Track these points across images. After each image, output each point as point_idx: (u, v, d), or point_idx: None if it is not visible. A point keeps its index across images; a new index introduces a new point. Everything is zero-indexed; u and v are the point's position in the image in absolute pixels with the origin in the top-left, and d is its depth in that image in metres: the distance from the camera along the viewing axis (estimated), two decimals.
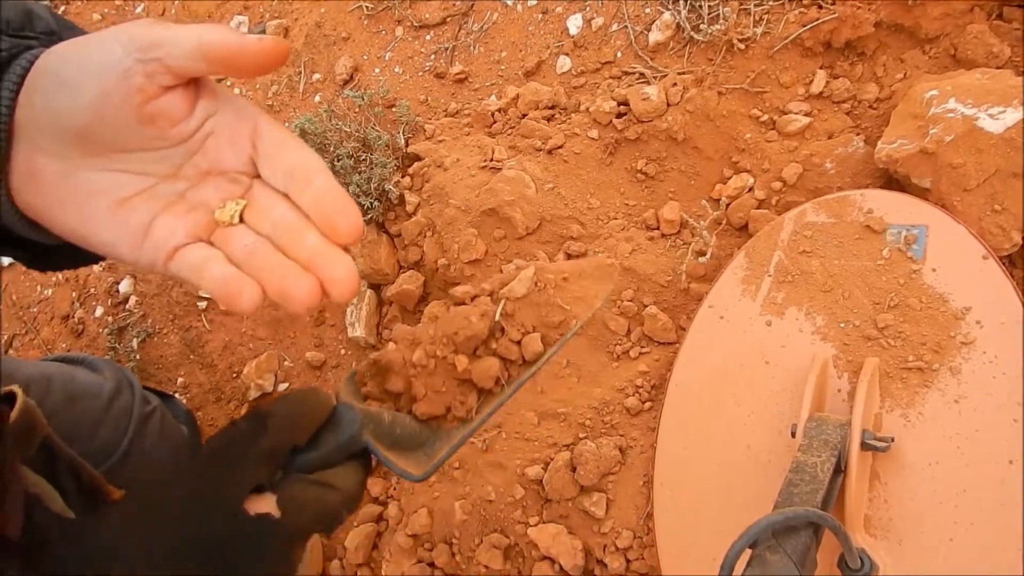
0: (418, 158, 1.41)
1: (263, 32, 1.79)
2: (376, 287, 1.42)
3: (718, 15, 1.25)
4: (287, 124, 1.55)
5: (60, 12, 2.11)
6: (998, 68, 1.04)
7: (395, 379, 0.54)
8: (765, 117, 1.21)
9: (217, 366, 1.55)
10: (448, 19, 1.55)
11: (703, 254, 1.14)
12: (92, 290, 1.77)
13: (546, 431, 1.15)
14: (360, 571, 1.25)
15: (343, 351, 1.44)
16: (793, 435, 0.89)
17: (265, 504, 0.45)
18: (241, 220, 0.48)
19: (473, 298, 0.57)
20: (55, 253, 0.53)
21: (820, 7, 1.18)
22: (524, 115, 1.38)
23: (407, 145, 1.45)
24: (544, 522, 1.11)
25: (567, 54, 1.41)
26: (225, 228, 0.47)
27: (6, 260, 1.85)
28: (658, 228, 1.23)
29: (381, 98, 1.52)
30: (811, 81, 1.19)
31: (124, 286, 1.71)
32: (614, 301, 1.18)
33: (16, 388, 0.52)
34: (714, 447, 1.03)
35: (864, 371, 0.91)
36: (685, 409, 1.06)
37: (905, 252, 0.96)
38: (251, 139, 0.48)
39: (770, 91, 1.21)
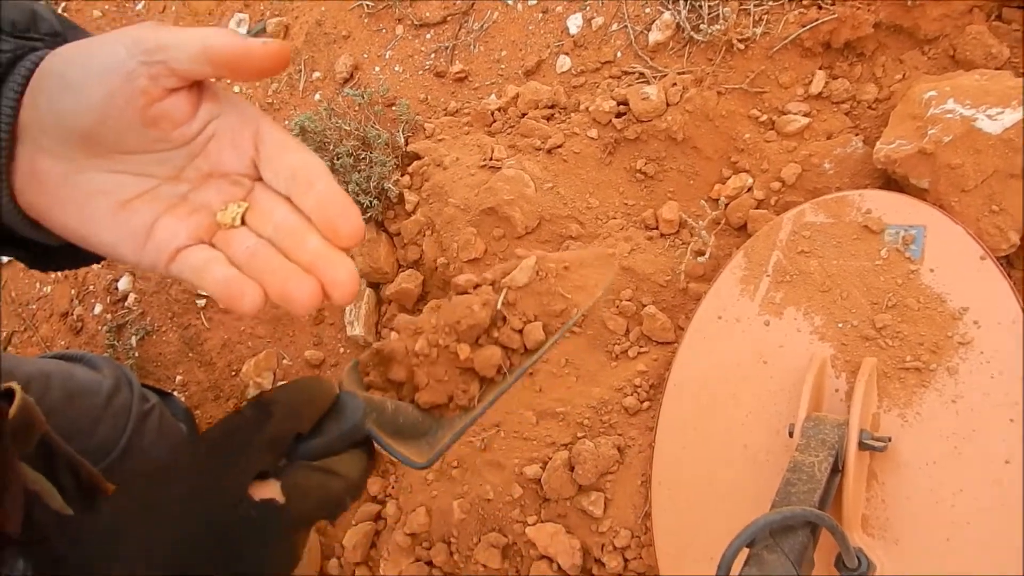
0: (417, 157, 1.41)
1: (263, 30, 1.79)
2: (375, 286, 1.42)
3: (718, 15, 1.25)
4: (287, 122, 1.55)
5: (60, 9, 2.11)
6: (997, 69, 1.04)
7: (398, 368, 0.54)
8: (764, 117, 1.21)
9: (216, 364, 1.55)
10: (448, 18, 1.55)
11: (702, 254, 1.15)
12: (91, 287, 1.77)
13: (544, 430, 1.15)
14: (358, 570, 1.25)
15: (342, 349, 1.44)
16: (791, 435, 0.89)
17: (269, 490, 0.45)
18: (243, 222, 0.48)
19: (475, 287, 0.57)
20: (56, 253, 0.53)
21: (820, 7, 1.18)
22: (524, 114, 1.38)
23: (407, 144, 1.45)
24: (542, 521, 1.11)
25: (567, 53, 1.41)
26: (227, 230, 0.48)
27: (5, 258, 1.85)
28: (657, 228, 1.23)
29: (381, 97, 1.53)
30: (810, 81, 1.19)
31: (123, 283, 1.71)
32: (613, 300, 1.18)
33: (15, 385, 0.52)
34: (712, 447, 1.03)
35: (862, 371, 0.91)
36: (683, 409, 1.07)
37: (903, 252, 0.97)
38: (253, 142, 0.48)
39: (769, 91, 1.22)
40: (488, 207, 1.23)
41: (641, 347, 1.16)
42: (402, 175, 1.41)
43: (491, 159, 1.31)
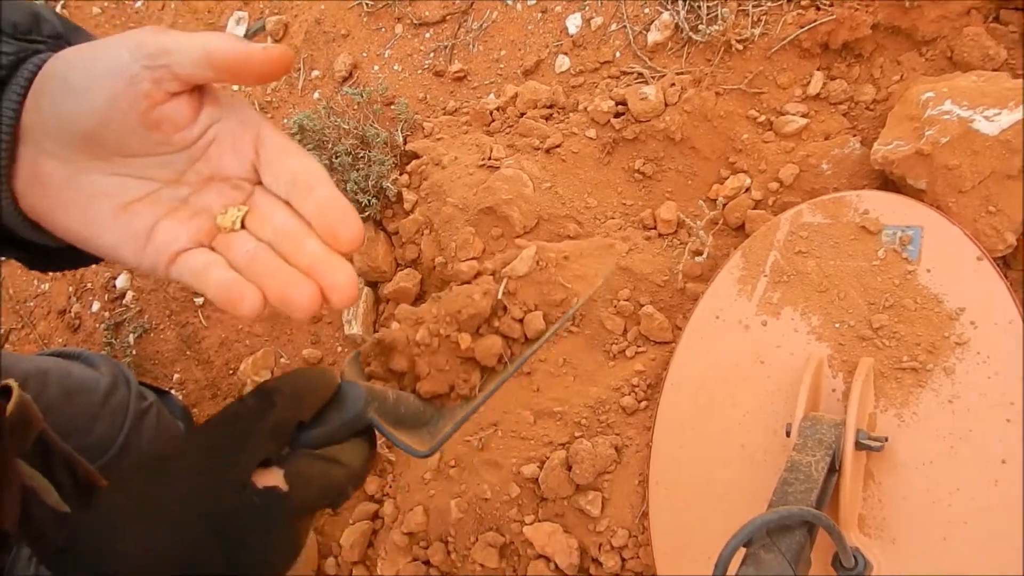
0: (416, 156, 1.41)
1: (263, 28, 1.79)
2: (373, 284, 1.42)
3: (716, 16, 1.25)
4: (285, 120, 1.55)
5: (59, 6, 2.11)
6: (994, 71, 1.05)
7: (399, 358, 0.55)
8: (762, 118, 1.21)
9: (214, 362, 1.55)
10: (448, 17, 1.55)
11: (700, 254, 1.15)
12: (89, 285, 1.77)
13: (542, 430, 1.15)
14: (355, 569, 1.25)
15: (340, 348, 1.44)
16: (788, 434, 0.89)
17: (272, 478, 0.45)
18: (243, 226, 0.48)
19: (477, 275, 0.58)
20: (56, 254, 0.53)
21: (818, 9, 1.18)
22: (522, 114, 1.38)
23: (405, 143, 1.45)
24: (540, 521, 1.11)
25: (566, 53, 1.41)
26: (227, 234, 0.48)
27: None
28: (655, 228, 1.23)
29: (380, 95, 1.53)
30: (808, 82, 1.19)
31: (121, 281, 1.71)
32: (611, 300, 1.18)
33: (12, 383, 0.52)
34: (709, 446, 1.03)
35: (859, 371, 0.91)
36: (681, 408, 1.07)
37: (900, 253, 0.97)
38: (254, 146, 0.48)
39: (767, 92, 1.22)
40: (486, 206, 1.23)
41: (639, 347, 1.16)
42: (400, 174, 1.41)
43: (489, 158, 1.31)
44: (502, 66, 1.47)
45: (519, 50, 1.46)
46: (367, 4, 1.63)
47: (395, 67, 1.58)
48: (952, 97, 0.97)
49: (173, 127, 0.47)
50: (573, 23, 1.41)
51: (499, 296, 0.57)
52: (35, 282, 1.87)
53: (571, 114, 1.33)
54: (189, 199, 0.49)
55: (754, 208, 1.15)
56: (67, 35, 0.51)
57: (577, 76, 1.39)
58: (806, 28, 1.17)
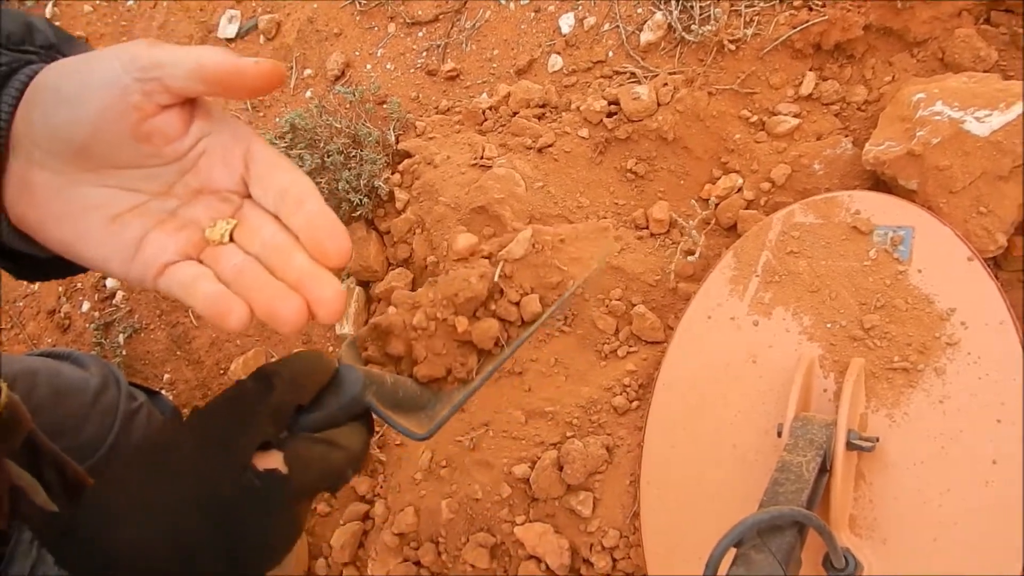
0: (408, 155, 1.41)
1: (255, 26, 1.78)
2: (365, 284, 1.41)
3: (709, 16, 1.25)
4: (277, 119, 1.55)
5: (52, 3, 2.10)
6: (985, 72, 1.05)
7: (396, 342, 0.55)
8: (755, 118, 1.21)
9: (204, 362, 1.54)
10: (440, 16, 1.55)
11: (692, 254, 1.15)
12: (79, 285, 1.76)
13: (533, 430, 1.15)
14: (346, 570, 1.25)
15: (331, 348, 1.43)
16: (779, 435, 0.89)
17: (272, 460, 0.45)
18: (231, 239, 0.48)
19: (473, 252, 0.58)
20: (44, 264, 0.53)
21: (810, 9, 1.18)
22: (515, 113, 1.38)
23: (397, 142, 1.44)
24: (531, 521, 1.11)
25: (559, 53, 1.41)
26: (215, 247, 0.48)
27: None
28: (647, 227, 1.23)
29: (372, 94, 1.52)
30: (800, 83, 1.19)
31: (111, 281, 1.70)
32: (602, 300, 1.18)
33: (1, 383, 0.52)
34: (701, 446, 1.03)
35: (850, 371, 0.91)
36: (672, 408, 1.07)
37: (891, 253, 0.97)
38: (244, 160, 0.49)
39: (760, 92, 1.22)
40: (478, 206, 1.22)
41: (630, 347, 1.16)
42: (393, 173, 1.40)
43: (482, 158, 1.31)
44: (495, 65, 1.47)
45: (512, 49, 1.46)
46: (360, 3, 1.63)
47: (388, 66, 1.57)
48: (943, 98, 0.97)
49: (164, 139, 0.47)
50: (566, 23, 1.41)
51: (495, 279, 0.57)
52: (24, 282, 1.86)
53: (564, 113, 1.33)
54: (178, 211, 0.49)
55: (746, 208, 1.15)
56: (60, 45, 0.51)
57: (570, 75, 1.39)
58: (798, 29, 1.17)
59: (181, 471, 0.43)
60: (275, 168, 0.48)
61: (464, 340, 0.56)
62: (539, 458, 1.12)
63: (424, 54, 1.54)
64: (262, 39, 1.76)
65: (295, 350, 1.43)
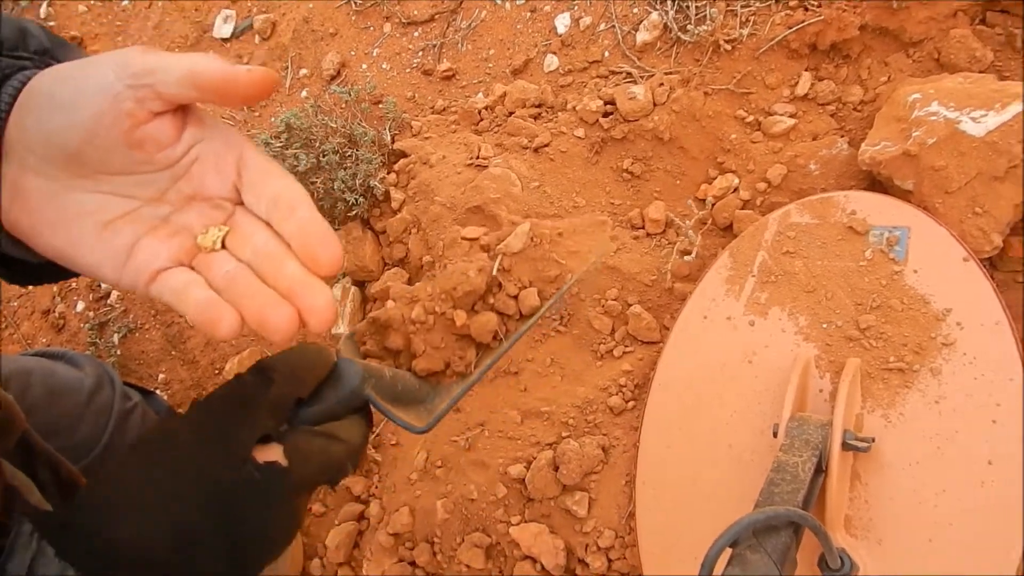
0: (404, 155, 1.40)
1: (250, 26, 1.78)
2: (360, 284, 1.41)
3: (705, 16, 1.25)
4: (273, 119, 1.55)
5: (46, 3, 2.09)
6: (980, 72, 1.05)
7: (394, 336, 0.55)
8: (750, 118, 1.21)
9: (199, 362, 1.54)
10: (436, 16, 1.55)
11: (688, 254, 1.15)
12: (73, 285, 1.75)
13: (529, 430, 1.15)
14: (341, 570, 1.25)
15: (328, 346, 1.43)
16: (775, 435, 0.89)
17: (272, 453, 0.45)
18: (223, 246, 0.48)
19: (475, 239, 0.58)
20: (36, 269, 0.53)
21: (806, 9, 1.18)
22: (511, 113, 1.37)
23: (393, 141, 1.44)
24: (526, 521, 1.11)
25: (555, 53, 1.41)
26: (207, 253, 0.48)
27: None
28: (643, 227, 1.23)
29: (368, 94, 1.52)
30: (796, 83, 1.19)
31: None
32: (598, 300, 1.18)
33: None
34: (697, 446, 1.03)
35: (846, 371, 0.91)
36: (668, 408, 1.07)
37: (887, 253, 0.97)
38: (236, 166, 0.49)
39: (756, 92, 1.22)
40: (474, 205, 1.22)
41: (626, 347, 1.16)
42: (388, 173, 1.40)
43: (478, 157, 1.31)
44: (491, 65, 1.46)
45: (508, 49, 1.46)
46: (355, 3, 1.63)
47: (383, 66, 1.57)
48: (939, 98, 0.97)
49: (156, 146, 0.47)
50: (562, 23, 1.41)
51: (494, 273, 0.57)
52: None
53: (559, 113, 1.33)
54: (170, 218, 0.49)
55: (742, 208, 1.15)
56: (54, 50, 0.52)
57: (566, 75, 1.38)
58: (794, 29, 1.17)
59: (181, 463, 0.43)
60: (267, 175, 0.48)
61: (462, 334, 0.56)
62: (535, 458, 1.12)
63: (420, 54, 1.54)
64: (257, 39, 1.76)
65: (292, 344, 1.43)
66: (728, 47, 1.22)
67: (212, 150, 0.49)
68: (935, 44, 1.11)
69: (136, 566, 0.41)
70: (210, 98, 0.46)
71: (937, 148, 0.94)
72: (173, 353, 1.57)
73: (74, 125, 0.45)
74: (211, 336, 0.45)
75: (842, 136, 1.13)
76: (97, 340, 1.64)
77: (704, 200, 1.19)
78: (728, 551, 0.67)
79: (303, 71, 1.65)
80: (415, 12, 1.56)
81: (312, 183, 1.38)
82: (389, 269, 1.36)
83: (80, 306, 1.71)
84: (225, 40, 1.81)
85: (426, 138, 1.41)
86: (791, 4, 1.20)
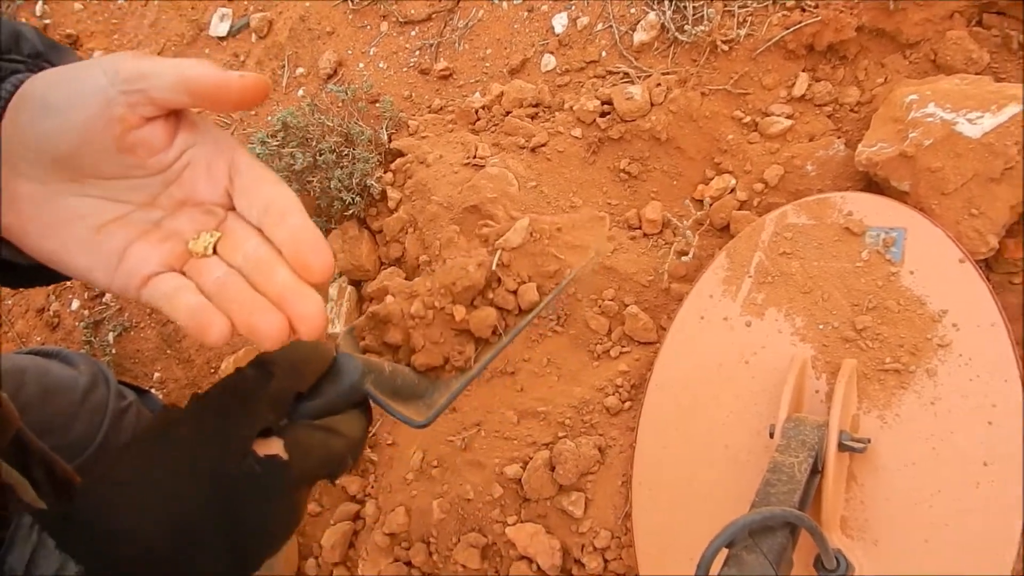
0: (401, 154, 1.40)
1: (247, 25, 1.77)
2: (357, 283, 1.41)
3: (702, 16, 1.25)
4: (269, 118, 1.54)
5: (43, 2, 2.08)
6: (977, 74, 1.05)
7: (394, 331, 0.55)
8: (747, 119, 1.21)
9: (194, 361, 1.53)
10: (433, 15, 1.55)
11: (685, 254, 1.15)
12: (68, 283, 1.74)
13: (525, 430, 1.15)
14: (336, 570, 1.24)
15: None
16: (771, 435, 0.89)
17: (273, 447, 0.45)
18: (214, 252, 0.48)
19: (482, 229, 0.58)
20: (27, 272, 0.53)
21: (803, 10, 1.18)
22: (508, 113, 1.37)
23: (390, 141, 1.44)
24: (522, 521, 1.11)
25: (552, 52, 1.41)
26: (198, 259, 0.48)
27: None
28: (640, 228, 1.23)
29: (365, 93, 1.52)
30: (793, 84, 1.19)
31: None
32: (595, 300, 1.18)
33: None
34: (693, 447, 1.03)
35: (842, 372, 0.91)
36: (664, 409, 1.07)
37: (883, 254, 0.97)
38: (228, 172, 0.49)
39: (753, 93, 1.22)
40: (471, 205, 1.22)
41: (623, 347, 1.16)
42: (385, 172, 1.40)
43: (475, 157, 1.30)
44: (488, 65, 1.46)
45: (505, 49, 1.45)
46: (352, 1, 1.63)
47: (380, 65, 1.57)
48: (936, 100, 0.97)
49: (148, 151, 0.47)
50: (559, 22, 1.41)
51: (493, 268, 0.57)
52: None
53: (557, 113, 1.33)
54: (162, 222, 0.49)
55: (739, 209, 1.15)
56: (47, 53, 0.52)
57: (563, 75, 1.38)
58: (791, 29, 1.17)
59: (182, 456, 0.43)
60: (260, 181, 0.48)
61: (462, 329, 0.56)
62: (531, 458, 1.12)
63: (417, 53, 1.54)
64: (254, 37, 1.76)
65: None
66: (725, 48, 1.23)
67: (204, 155, 0.48)
68: (932, 46, 1.11)
69: (137, 558, 0.41)
70: (202, 103, 0.46)
71: (933, 149, 0.95)
72: (168, 352, 1.57)
73: (66, 129, 0.45)
74: (201, 342, 0.45)
75: (839, 137, 1.13)
76: (92, 339, 1.64)
77: (701, 201, 1.19)
78: (724, 551, 0.67)
79: (300, 70, 1.65)
80: (412, 11, 1.56)
81: (308, 182, 1.37)
82: (385, 268, 1.36)
83: (75, 304, 1.71)
84: (221, 38, 1.80)
85: (423, 137, 1.41)
86: (788, 5, 1.20)
